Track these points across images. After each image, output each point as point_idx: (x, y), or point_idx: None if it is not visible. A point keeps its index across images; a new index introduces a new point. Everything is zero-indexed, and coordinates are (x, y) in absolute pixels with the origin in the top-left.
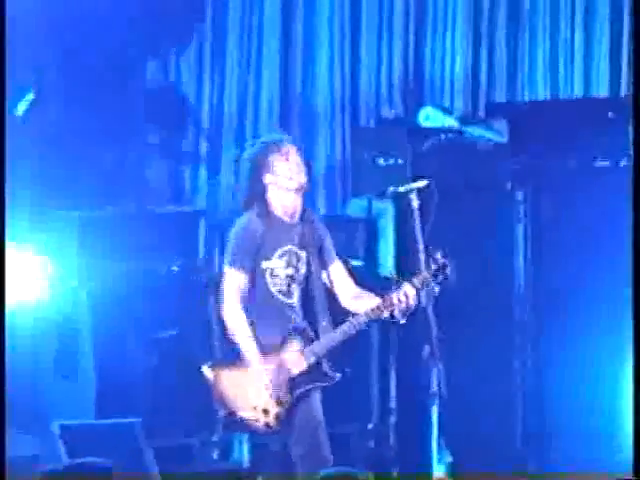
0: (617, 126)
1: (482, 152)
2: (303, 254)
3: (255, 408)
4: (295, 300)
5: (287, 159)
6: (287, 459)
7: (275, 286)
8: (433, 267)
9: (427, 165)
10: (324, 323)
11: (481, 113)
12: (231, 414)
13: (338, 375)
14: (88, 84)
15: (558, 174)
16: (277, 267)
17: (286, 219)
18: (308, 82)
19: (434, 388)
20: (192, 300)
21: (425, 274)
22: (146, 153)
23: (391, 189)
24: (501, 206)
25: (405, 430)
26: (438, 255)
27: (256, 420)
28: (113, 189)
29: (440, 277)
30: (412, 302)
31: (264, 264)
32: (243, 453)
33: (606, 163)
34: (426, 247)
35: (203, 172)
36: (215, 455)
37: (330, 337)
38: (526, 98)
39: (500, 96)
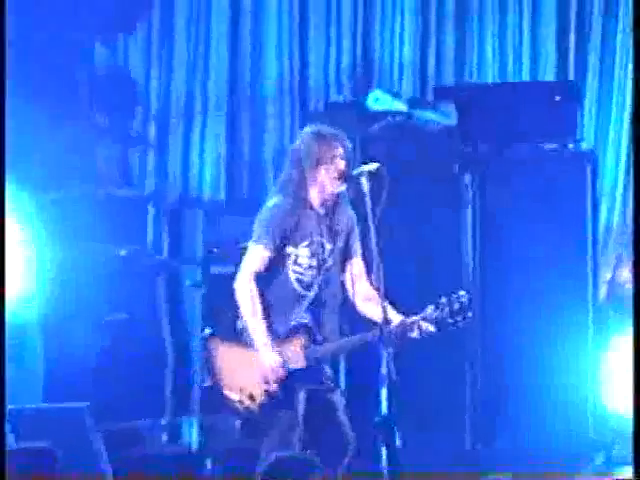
0: (564, 110)
1: (430, 135)
2: (329, 247)
3: (241, 390)
4: (312, 293)
5: (341, 157)
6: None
7: (295, 274)
8: (456, 305)
9: (376, 149)
10: (333, 324)
11: (429, 97)
12: (214, 388)
13: (331, 384)
14: (36, 67)
15: (506, 158)
16: (301, 255)
17: (321, 211)
18: (256, 66)
19: (383, 371)
20: (141, 284)
21: (446, 311)
22: (95, 137)
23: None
24: (449, 190)
25: (354, 412)
26: (462, 293)
27: (239, 402)
28: (62, 172)
29: (459, 317)
30: (419, 335)
31: (289, 249)
32: (192, 436)
33: (554, 146)
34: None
35: (152, 156)
36: (164, 438)
37: (335, 344)
38: (474, 81)
39: (448, 80)
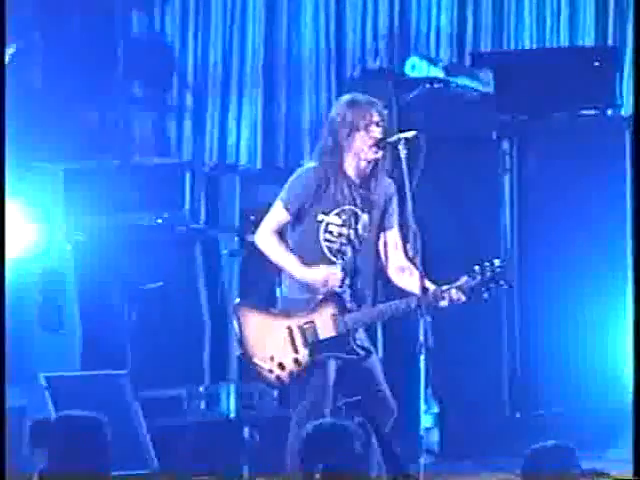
0: (603, 75)
1: (468, 102)
2: (365, 217)
3: (272, 359)
4: (344, 262)
5: (377, 124)
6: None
7: (326, 241)
8: (488, 274)
9: (413, 115)
10: (367, 293)
11: (467, 63)
12: (246, 356)
13: (362, 353)
14: (70, 36)
15: (545, 124)
16: (333, 223)
17: (356, 180)
18: (293, 34)
19: (421, 339)
20: (178, 252)
21: (478, 279)
22: (131, 106)
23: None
24: (487, 156)
25: (392, 381)
26: (496, 262)
27: (270, 371)
28: (98, 142)
29: (492, 286)
30: (453, 302)
31: (320, 216)
32: (230, 403)
33: (593, 112)
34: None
35: (188, 124)
36: (202, 405)
37: (367, 313)
38: (512, 48)
39: (486, 46)
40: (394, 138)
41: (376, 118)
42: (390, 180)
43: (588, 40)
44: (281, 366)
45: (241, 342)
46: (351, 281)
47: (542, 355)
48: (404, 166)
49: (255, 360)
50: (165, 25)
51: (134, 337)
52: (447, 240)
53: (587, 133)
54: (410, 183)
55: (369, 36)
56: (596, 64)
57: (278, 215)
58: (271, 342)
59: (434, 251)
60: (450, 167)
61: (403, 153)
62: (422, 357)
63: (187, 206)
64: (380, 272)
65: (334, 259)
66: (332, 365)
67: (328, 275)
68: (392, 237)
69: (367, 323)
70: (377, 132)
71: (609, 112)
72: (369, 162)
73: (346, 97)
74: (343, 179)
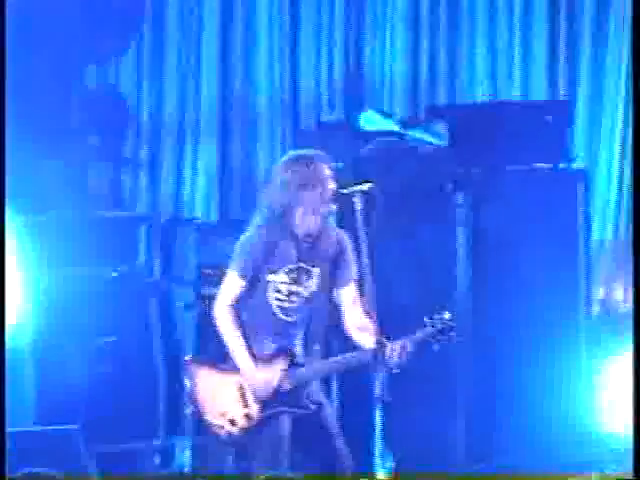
0: (555, 129)
1: (423, 155)
2: (316, 271)
3: (223, 415)
4: (295, 318)
5: (328, 178)
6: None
7: (276, 301)
8: (439, 326)
9: (368, 168)
10: (316, 347)
11: (421, 116)
12: (197, 414)
13: (313, 407)
14: (29, 87)
15: (498, 177)
16: (282, 282)
17: (305, 236)
18: (248, 87)
19: (377, 393)
20: (132, 306)
21: (428, 332)
22: (87, 158)
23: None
24: (442, 209)
25: (348, 434)
26: (446, 315)
27: (221, 427)
28: (53, 194)
29: (443, 338)
30: (404, 357)
31: (269, 277)
32: (184, 457)
33: (546, 166)
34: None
35: (143, 176)
36: (157, 460)
37: (318, 367)
38: (466, 101)
39: (440, 99)
40: (349, 190)
41: (327, 172)
42: (342, 232)
43: (541, 94)
44: (232, 422)
45: (192, 398)
46: (303, 335)
47: (498, 407)
48: (359, 219)
49: (206, 417)
50: (120, 78)
51: (88, 391)
52: (403, 292)
53: (540, 186)
54: (365, 235)
55: (324, 88)
56: (548, 118)
57: (234, 286)
58: (221, 398)
59: (390, 303)
60: (405, 219)
61: (359, 205)
62: (377, 411)
63: (142, 259)
64: (333, 326)
65: (286, 318)
66: (285, 418)
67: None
68: (349, 293)
69: (318, 377)
70: (331, 185)
71: (561, 166)
72: (319, 217)
73: (292, 153)
74: (291, 236)
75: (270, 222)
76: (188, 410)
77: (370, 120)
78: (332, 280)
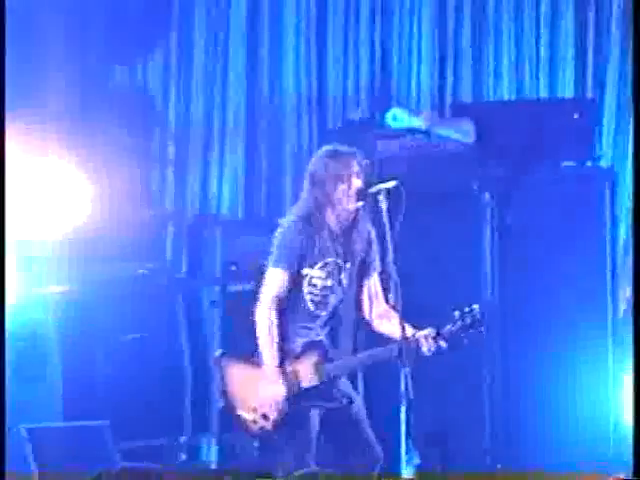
0: (582, 127)
1: (449, 153)
2: (348, 266)
3: (255, 410)
4: (326, 313)
5: (357, 175)
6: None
7: (309, 294)
8: (468, 320)
9: (394, 166)
10: (346, 342)
11: (447, 114)
12: (228, 409)
13: (345, 400)
14: (56, 87)
15: (525, 176)
16: (316, 276)
17: (337, 230)
18: (275, 85)
19: (402, 390)
20: (159, 303)
21: (458, 326)
22: (114, 156)
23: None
24: (468, 207)
25: (373, 432)
26: (476, 308)
27: (253, 422)
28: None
29: (473, 332)
30: (433, 347)
31: (305, 270)
32: (210, 454)
33: (572, 164)
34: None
35: (171, 176)
36: (183, 456)
37: (348, 361)
38: (491, 98)
39: (466, 97)
40: (375, 188)
41: (356, 168)
42: (370, 226)
43: (568, 92)
44: (265, 417)
45: (223, 394)
46: (333, 330)
47: (524, 406)
48: (385, 216)
49: (238, 412)
50: (147, 78)
51: (115, 388)
52: (428, 290)
53: (567, 184)
54: (391, 233)
55: (350, 87)
56: (575, 116)
57: (280, 281)
58: (254, 393)
59: (416, 300)
60: (431, 217)
61: (384, 203)
62: (403, 408)
63: (169, 257)
64: (361, 320)
65: (318, 311)
66: (316, 414)
67: (279, 399)
68: (373, 285)
69: (349, 371)
70: (358, 182)
71: (589, 164)
72: (350, 212)
73: (326, 148)
74: (326, 231)
75: (305, 215)
76: (219, 404)
77: (397, 118)
78: (360, 274)
